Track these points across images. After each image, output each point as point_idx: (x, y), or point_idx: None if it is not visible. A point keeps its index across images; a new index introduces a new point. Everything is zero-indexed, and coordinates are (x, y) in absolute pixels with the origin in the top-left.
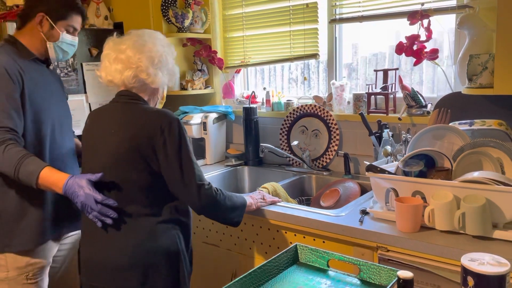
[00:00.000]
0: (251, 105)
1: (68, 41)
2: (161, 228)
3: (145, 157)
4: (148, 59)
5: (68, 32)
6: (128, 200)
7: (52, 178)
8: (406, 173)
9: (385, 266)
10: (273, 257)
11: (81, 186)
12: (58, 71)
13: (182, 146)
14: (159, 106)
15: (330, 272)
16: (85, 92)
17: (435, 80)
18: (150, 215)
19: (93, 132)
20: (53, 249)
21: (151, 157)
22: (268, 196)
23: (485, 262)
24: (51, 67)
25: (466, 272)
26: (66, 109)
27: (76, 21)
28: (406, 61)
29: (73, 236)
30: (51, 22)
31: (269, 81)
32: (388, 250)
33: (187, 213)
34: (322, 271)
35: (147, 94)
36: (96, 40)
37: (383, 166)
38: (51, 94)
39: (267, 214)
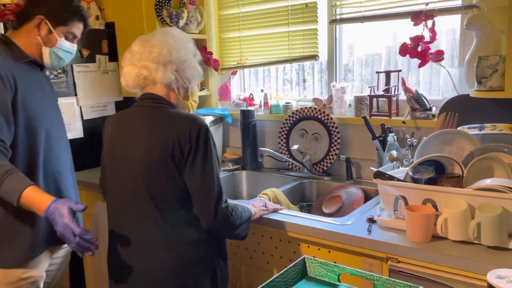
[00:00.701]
0: (249, 108)
1: (65, 48)
2: (199, 239)
3: (177, 164)
4: (148, 53)
5: (67, 38)
6: (164, 209)
7: (34, 199)
8: (415, 180)
9: (401, 282)
10: (281, 272)
11: (61, 215)
12: (47, 72)
13: (208, 156)
14: (191, 110)
15: (341, 287)
16: (76, 95)
17: (432, 82)
18: (187, 225)
19: (119, 140)
20: (47, 261)
21: (182, 164)
22: (270, 203)
23: None
24: (47, 72)
25: None
26: (59, 115)
27: (77, 28)
28: (403, 62)
29: (65, 248)
30: (50, 27)
31: (264, 83)
32: (399, 261)
33: None
34: (332, 286)
35: (170, 96)
36: (86, 40)
37: (390, 172)
38: (44, 99)
39: (269, 222)
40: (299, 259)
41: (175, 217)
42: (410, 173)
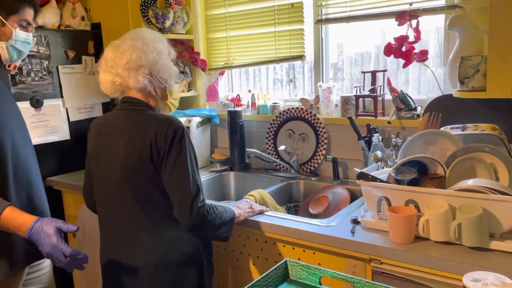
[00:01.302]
0: (236, 108)
1: (22, 39)
2: (184, 237)
3: (156, 166)
4: (119, 60)
5: (21, 27)
6: (148, 210)
7: (15, 221)
8: (398, 181)
9: (381, 284)
10: (262, 275)
11: (48, 235)
12: (32, 74)
13: (182, 156)
14: (172, 109)
15: None
16: (62, 97)
17: (421, 81)
18: (171, 223)
19: (101, 144)
20: (24, 275)
21: (159, 165)
22: (255, 205)
23: (488, 283)
24: (12, 71)
25: None
26: (22, 120)
27: (29, 14)
28: (392, 61)
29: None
30: (2, 18)
31: (254, 82)
32: (381, 263)
33: None
34: None
35: (148, 98)
36: (72, 42)
37: (374, 173)
38: (5, 104)
39: (255, 224)
40: (281, 262)
41: (160, 217)
42: (393, 174)
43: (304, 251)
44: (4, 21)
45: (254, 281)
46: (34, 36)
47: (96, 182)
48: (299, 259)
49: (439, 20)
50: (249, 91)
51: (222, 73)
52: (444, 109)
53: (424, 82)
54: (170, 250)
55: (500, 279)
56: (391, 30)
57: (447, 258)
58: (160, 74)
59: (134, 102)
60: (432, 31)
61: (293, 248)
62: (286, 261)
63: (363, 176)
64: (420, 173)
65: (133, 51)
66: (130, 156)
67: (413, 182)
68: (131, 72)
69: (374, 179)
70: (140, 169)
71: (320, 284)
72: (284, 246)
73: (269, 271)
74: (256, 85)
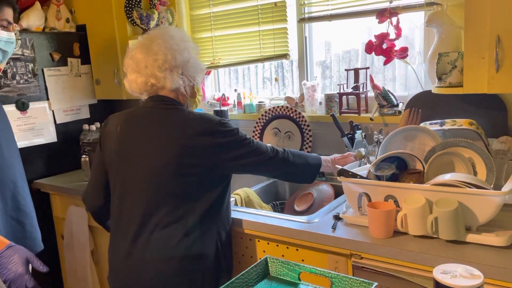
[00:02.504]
0: (222, 108)
1: (5, 39)
2: (202, 233)
3: (193, 169)
4: (153, 62)
5: (2, 27)
6: (170, 207)
7: None
8: (378, 177)
9: (357, 278)
10: (242, 272)
11: (16, 263)
12: (17, 77)
13: (235, 138)
14: (198, 105)
15: (301, 286)
16: (48, 99)
17: (407, 77)
18: (192, 221)
19: (131, 140)
20: None
21: (201, 167)
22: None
23: (457, 275)
24: None
25: (438, 286)
26: (6, 122)
27: (8, 13)
28: (379, 58)
29: None
30: None
31: (243, 81)
32: (361, 258)
33: (223, 218)
34: (293, 285)
35: (179, 97)
36: (57, 44)
37: (355, 170)
38: None
39: (239, 223)
40: (261, 259)
41: (181, 214)
42: (372, 170)
43: (287, 248)
44: None
45: (233, 279)
46: (18, 39)
47: (119, 177)
48: (283, 256)
49: (422, 17)
50: (235, 90)
51: (208, 73)
52: (424, 105)
53: (410, 79)
54: (195, 244)
55: (469, 270)
56: (377, 27)
57: (424, 252)
58: (190, 73)
59: (168, 101)
60: (418, 28)
61: (277, 246)
62: (266, 258)
63: (343, 173)
64: (399, 169)
65: (168, 51)
66: (169, 154)
67: (393, 178)
68: (166, 73)
69: (354, 175)
70: (180, 167)
71: (299, 280)
72: (268, 243)
73: (249, 268)
74: (245, 84)
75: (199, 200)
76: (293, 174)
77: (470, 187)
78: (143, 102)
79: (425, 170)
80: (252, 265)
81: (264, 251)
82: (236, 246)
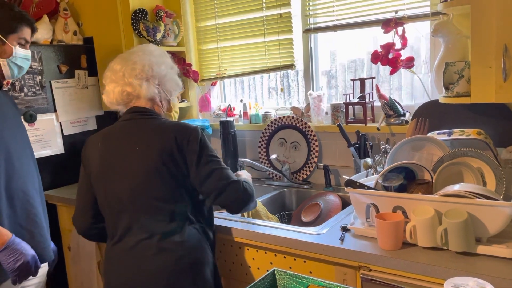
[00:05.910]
0: (228, 118)
1: (22, 55)
2: (200, 235)
3: (178, 167)
4: (131, 70)
5: (20, 45)
6: (167, 210)
7: None
8: (386, 188)
9: None
10: (250, 285)
11: (29, 248)
12: (25, 90)
13: (208, 152)
14: (174, 119)
15: None
16: (55, 111)
17: (414, 87)
18: (190, 221)
19: (112, 155)
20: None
21: (180, 171)
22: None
23: None
24: (4, 87)
25: None
26: (23, 133)
27: (27, 33)
28: (384, 67)
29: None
30: (2, 37)
31: (249, 91)
32: (370, 270)
33: (210, 223)
34: None
35: (154, 108)
36: (65, 56)
37: (363, 180)
38: (4, 117)
39: (246, 234)
40: (269, 271)
41: (180, 215)
42: (380, 181)
43: (295, 259)
44: (4, 39)
45: None
46: None
47: (108, 194)
48: (290, 267)
49: (428, 27)
50: (241, 100)
51: (214, 84)
52: (431, 114)
53: (416, 88)
54: (185, 255)
55: (480, 284)
56: (383, 36)
57: (434, 264)
58: (166, 87)
59: (144, 111)
60: (424, 37)
61: (284, 257)
62: (273, 270)
63: (351, 184)
64: (407, 179)
65: (146, 62)
66: (149, 160)
67: (401, 188)
68: (142, 82)
69: (362, 186)
70: (158, 176)
71: None
72: (275, 255)
73: (256, 281)
74: (251, 94)
75: (184, 202)
76: (236, 201)
77: (479, 198)
78: (120, 117)
79: (433, 181)
80: (260, 278)
81: (271, 263)
82: (242, 258)
